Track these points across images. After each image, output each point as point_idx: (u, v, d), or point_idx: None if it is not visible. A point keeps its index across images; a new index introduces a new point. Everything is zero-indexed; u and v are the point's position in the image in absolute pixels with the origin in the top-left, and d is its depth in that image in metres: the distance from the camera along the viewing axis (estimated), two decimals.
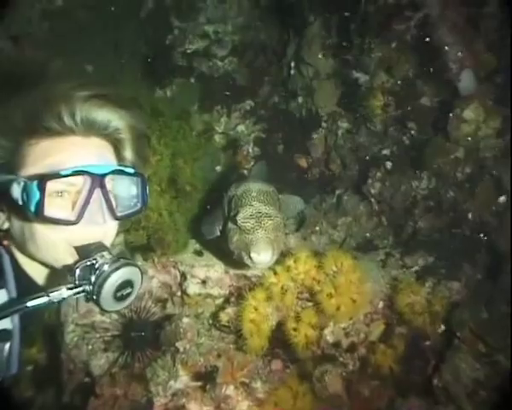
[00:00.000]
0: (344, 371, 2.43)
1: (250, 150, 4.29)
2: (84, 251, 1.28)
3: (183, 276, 2.77)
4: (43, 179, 1.19)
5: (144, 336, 2.65)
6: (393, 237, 2.98)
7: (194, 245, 2.98)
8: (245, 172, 4.19)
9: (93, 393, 2.49)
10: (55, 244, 1.27)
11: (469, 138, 2.38)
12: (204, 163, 4.24)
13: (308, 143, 4.06)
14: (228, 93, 4.43)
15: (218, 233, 2.73)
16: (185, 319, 2.63)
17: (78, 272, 1.26)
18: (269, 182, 2.80)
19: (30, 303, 1.22)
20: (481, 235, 2.31)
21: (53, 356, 2.72)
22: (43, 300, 1.23)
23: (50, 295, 1.24)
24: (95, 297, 1.27)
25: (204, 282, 2.72)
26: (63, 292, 1.25)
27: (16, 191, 1.23)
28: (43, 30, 3.95)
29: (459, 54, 2.20)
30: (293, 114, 4.28)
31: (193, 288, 2.73)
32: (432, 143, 2.52)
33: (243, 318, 2.40)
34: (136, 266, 1.33)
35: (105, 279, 1.25)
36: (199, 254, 2.85)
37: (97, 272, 1.26)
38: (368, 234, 3.16)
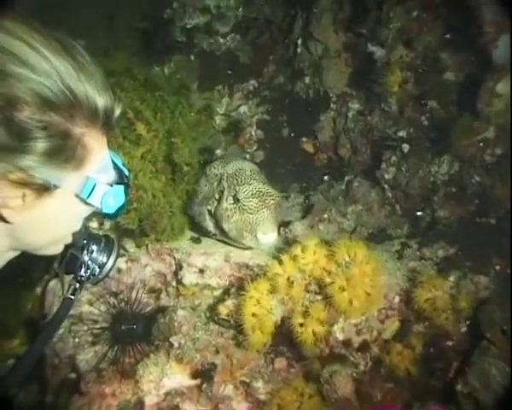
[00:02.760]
0: (355, 371, 2.21)
1: (253, 133, 4.04)
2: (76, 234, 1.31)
3: (179, 264, 2.54)
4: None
5: (136, 329, 2.43)
6: (409, 226, 2.74)
7: (191, 231, 2.76)
8: (247, 156, 3.97)
9: (78, 390, 2.27)
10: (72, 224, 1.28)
11: (501, 115, 2.13)
12: (203, 144, 4.02)
13: (315, 126, 3.82)
14: (230, 72, 4.19)
15: (207, 215, 2.60)
16: (180, 312, 2.41)
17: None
18: None
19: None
20: (509, 225, 2.07)
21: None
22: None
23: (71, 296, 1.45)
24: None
25: (202, 271, 2.49)
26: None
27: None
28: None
29: (497, 15, 1.93)
30: (300, 95, 4.04)
31: (189, 277, 2.50)
32: (457, 123, 2.27)
33: (244, 311, 2.17)
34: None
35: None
36: (196, 240, 2.62)
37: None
38: (380, 223, 2.92)
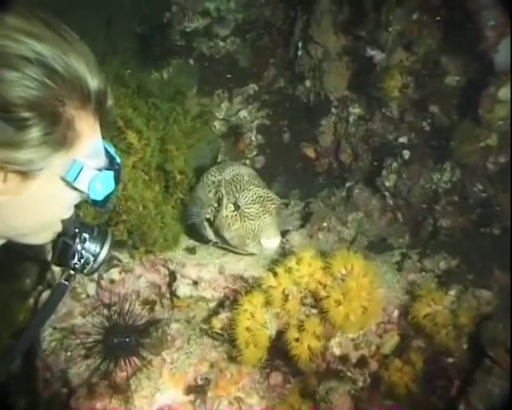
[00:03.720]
0: (352, 388, 2.13)
1: (253, 138, 3.97)
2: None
3: (173, 276, 2.48)
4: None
5: (128, 343, 2.36)
6: (410, 236, 2.66)
7: (187, 241, 2.70)
8: (247, 161, 3.90)
9: (68, 407, 2.21)
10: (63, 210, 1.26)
11: (504, 122, 2.04)
12: (201, 151, 3.96)
13: (316, 131, 3.74)
14: (229, 76, 4.12)
15: (206, 223, 2.55)
16: (174, 325, 2.35)
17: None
18: None
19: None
20: None
21: (28, 363, 2.44)
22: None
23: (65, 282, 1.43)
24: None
25: (196, 283, 2.43)
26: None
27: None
28: (30, 3, 3.67)
29: (498, 19, 1.84)
30: (301, 99, 3.97)
31: (183, 289, 2.44)
32: (458, 129, 2.18)
33: (238, 325, 2.11)
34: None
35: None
36: (191, 251, 2.56)
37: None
38: (381, 232, 2.83)
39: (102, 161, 1.21)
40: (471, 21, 1.94)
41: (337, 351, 2.17)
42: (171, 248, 2.50)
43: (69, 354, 2.42)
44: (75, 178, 1.12)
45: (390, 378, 2.05)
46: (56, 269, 2.65)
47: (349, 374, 2.16)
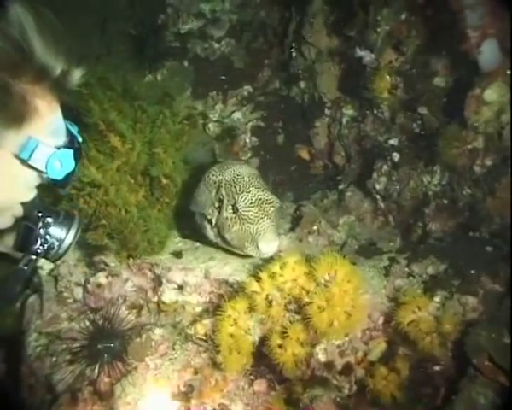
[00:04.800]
0: (338, 395, 2.08)
1: (247, 140, 3.94)
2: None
3: (159, 280, 2.45)
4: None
5: (113, 348, 2.34)
6: (401, 239, 2.61)
7: (175, 245, 2.67)
8: None
9: None
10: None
11: (490, 124, 1.99)
12: (196, 153, 3.94)
13: (310, 132, 3.71)
14: (224, 77, 4.09)
15: (207, 224, 2.54)
16: (158, 330, 2.32)
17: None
18: None
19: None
20: (503, 240, 1.93)
21: (13, 369, 2.43)
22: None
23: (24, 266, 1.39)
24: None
25: (181, 288, 2.40)
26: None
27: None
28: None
29: (482, 19, 1.79)
30: (296, 101, 3.94)
31: (169, 294, 2.41)
32: (445, 131, 2.13)
33: (221, 331, 2.07)
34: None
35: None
36: (178, 255, 2.53)
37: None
38: (372, 236, 2.79)
39: (62, 140, 1.17)
40: (454, 21, 1.89)
41: (322, 358, 2.12)
42: (157, 252, 2.48)
43: (54, 359, 2.40)
44: (30, 156, 1.08)
45: (375, 386, 2.00)
46: (43, 273, 2.65)
47: (334, 381, 2.11)
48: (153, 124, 2.61)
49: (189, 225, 3.12)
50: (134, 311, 2.53)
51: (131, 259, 2.46)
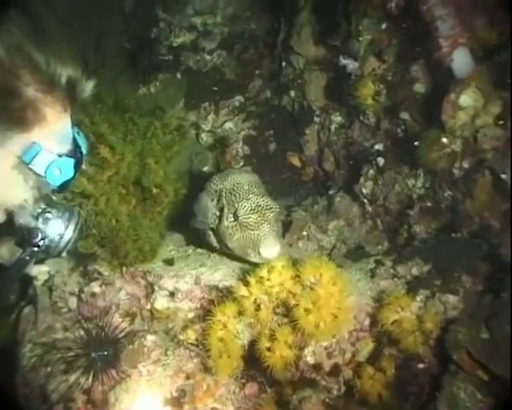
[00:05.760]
0: (327, 396, 2.12)
1: (239, 149, 4.02)
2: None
3: (151, 287, 2.50)
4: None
5: (107, 356, 2.38)
6: (388, 242, 2.66)
7: (167, 253, 2.73)
8: None
9: None
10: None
11: (466, 128, 2.05)
12: (189, 162, 4.01)
13: (301, 140, 3.78)
14: (216, 88, 4.18)
15: (210, 232, 2.61)
16: (150, 337, 2.37)
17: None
18: None
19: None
20: (482, 240, 1.98)
21: (7, 380, 2.46)
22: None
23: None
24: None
25: (172, 294, 2.44)
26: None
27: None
28: None
29: (452, 29, 1.87)
30: (287, 109, 4.01)
31: (161, 301, 2.46)
32: (425, 136, 2.20)
33: (211, 336, 2.12)
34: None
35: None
36: (169, 263, 2.58)
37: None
38: (361, 239, 2.84)
39: (66, 148, 1.21)
40: (429, 31, 1.96)
41: (311, 360, 2.17)
42: (149, 260, 2.53)
43: (49, 369, 2.43)
44: (31, 160, 1.12)
45: (362, 386, 2.04)
46: (38, 283, 2.70)
47: (323, 383, 2.16)
48: (144, 135, 2.67)
49: (182, 232, 3.19)
50: (127, 319, 2.58)
51: (125, 267, 2.51)
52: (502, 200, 1.95)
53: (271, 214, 2.35)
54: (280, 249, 2.34)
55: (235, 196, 2.45)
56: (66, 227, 1.48)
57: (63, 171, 1.19)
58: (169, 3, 4.38)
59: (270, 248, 2.30)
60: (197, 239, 3.02)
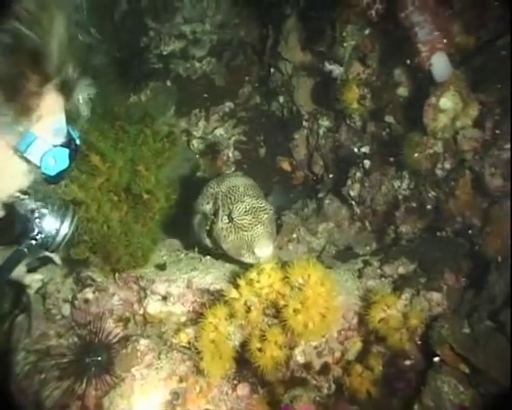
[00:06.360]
0: (317, 395, 2.16)
1: (230, 155, 4.07)
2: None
3: (144, 292, 2.53)
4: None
5: (101, 361, 2.40)
6: (376, 242, 2.72)
7: (159, 258, 2.76)
8: None
9: None
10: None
11: (447, 130, 2.11)
12: (181, 169, 4.05)
13: (291, 144, 3.84)
14: (206, 95, 4.23)
15: (206, 234, 2.65)
16: (143, 341, 2.39)
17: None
18: None
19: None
20: (465, 238, 2.03)
21: (1, 388, 2.48)
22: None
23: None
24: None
25: (165, 298, 2.48)
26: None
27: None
28: None
29: (430, 35, 1.93)
30: (276, 114, 4.07)
31: (153, 305, 2.49)
32: (408, 138, 2.26)
33: (202, 338, 2.16)
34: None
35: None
36: (161, 267, 2.61)
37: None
38: (350, 241, 2.89)
39: (61, 140, 1.23)
40: (407, 37, 2.03)
41: (301, 359, 2.21)
42: (142, 266, 2.56)
43: (43, 376, 2.45)
44: (26, 149, 1.14)
45: (351, 384, 2.09)
46: (32, 291, 2.72)
47: (313, 381, 2.20)
48: (134, 142, 2.71)
49: (174, 237, 3.23)
50: (121, 324, 2.61)
51: (117, 273, 2.54)
52: (482, 199, 2.01)
53: (265, 216, 2.40)
54: (273, 250, 2.39)
55: (230, 198, 2.50)
56: (62, 222, 1.51)
57: (58, 160, 1.21)
58: (158, 12, 4.42)
59: (264, 249, 2.35)
60: (189, 244, 3.06)
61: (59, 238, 1.51)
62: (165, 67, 4.35)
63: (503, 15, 1.86)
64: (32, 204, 1.46)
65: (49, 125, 1.18)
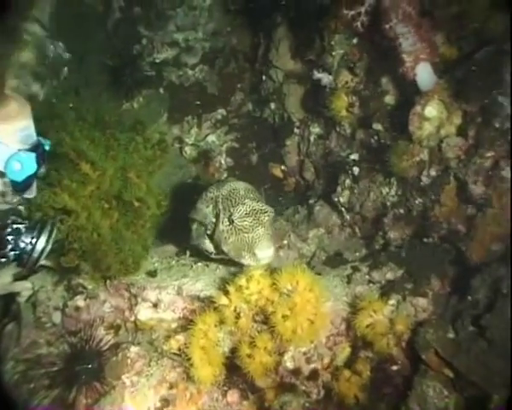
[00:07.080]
0: (307, 401, 2.18)
1: (223, 161, 4.10)
2: None
3: (135, 299, 2.54)
4: None
5: (91, 369, 2.41)
6: (366, 248, 2.74)
7: (150, 265, 2.78)
8: None
9: None
10: None
11: (432, 138, 2.15)
12: (174, 176, 4.07)
13: (282, 151, 3.87)
14: (198, 102, 4.26)
15: (207, 239, 2.67)
16: (133, 348, 2.40)
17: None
18: None
19: None
20: (450, 244, 2.06)
21: None
22: None
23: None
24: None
25: (155, 305, 2.49)
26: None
27: None
28: None
29: (414, 46, 1.97)
30: (268, 121, 4.10)
31: (144, 312, 2.51)
32: (395, 145, 2.29)
33: (192, 345, 2.17)
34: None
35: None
36: (152, 274, 2.63)
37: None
38: (340, 247, 2.92)
39: (28, 145, 1.24)
40: (392, 47, 2.07)
41: (290, 365, 2.23)
42: (132, 273, 2.57)
43: (32, 385, 2.44)
44: None
45: (340, 389, 2.11)
46: (22, 300, 2.72)
47: (303, 387, 2.21)
48: (125, 150, 2.73)
49: (165, 244, 3.25)
50: (112, 331, 2.61)
51: (108, 280, 2.55)
52: (466, 206, 2.05)
53: (266, 218, 2.42)
54: (274, 252, 2.40)
55: (230, 201, 2.52)
56: (38, 238, 1.51)
57: (25, 165, 1.20)
58: (151, 20, 4.45)
59: (265, 250, 2.36)
60: (181, 250, 3.08)
61: (35, 254, 1.51)
62: (157, 74, 4.37)
63: (481, 28, 1.91)
64: (7, 220, 1.46)
65: (12, 131, 1.17)
